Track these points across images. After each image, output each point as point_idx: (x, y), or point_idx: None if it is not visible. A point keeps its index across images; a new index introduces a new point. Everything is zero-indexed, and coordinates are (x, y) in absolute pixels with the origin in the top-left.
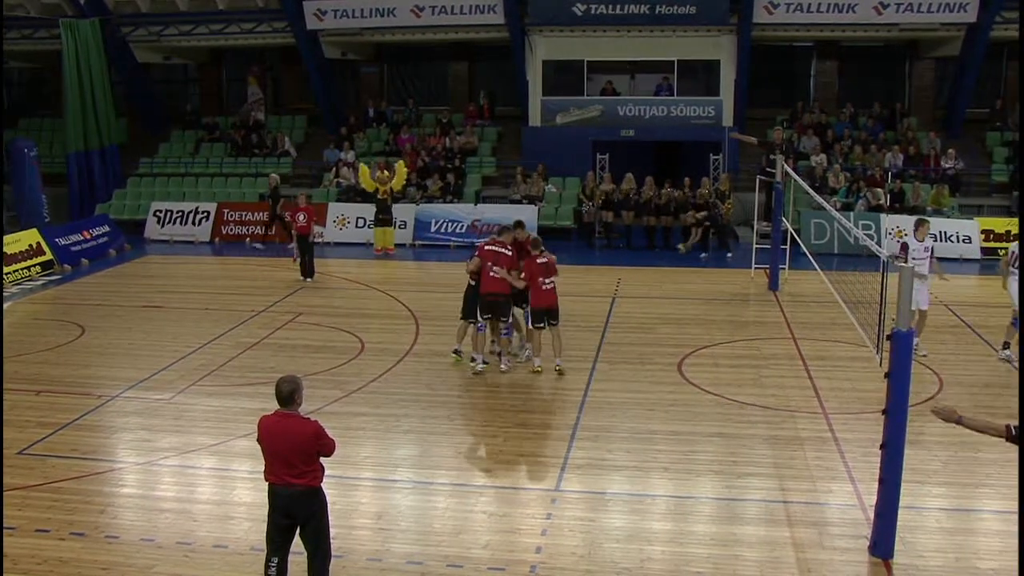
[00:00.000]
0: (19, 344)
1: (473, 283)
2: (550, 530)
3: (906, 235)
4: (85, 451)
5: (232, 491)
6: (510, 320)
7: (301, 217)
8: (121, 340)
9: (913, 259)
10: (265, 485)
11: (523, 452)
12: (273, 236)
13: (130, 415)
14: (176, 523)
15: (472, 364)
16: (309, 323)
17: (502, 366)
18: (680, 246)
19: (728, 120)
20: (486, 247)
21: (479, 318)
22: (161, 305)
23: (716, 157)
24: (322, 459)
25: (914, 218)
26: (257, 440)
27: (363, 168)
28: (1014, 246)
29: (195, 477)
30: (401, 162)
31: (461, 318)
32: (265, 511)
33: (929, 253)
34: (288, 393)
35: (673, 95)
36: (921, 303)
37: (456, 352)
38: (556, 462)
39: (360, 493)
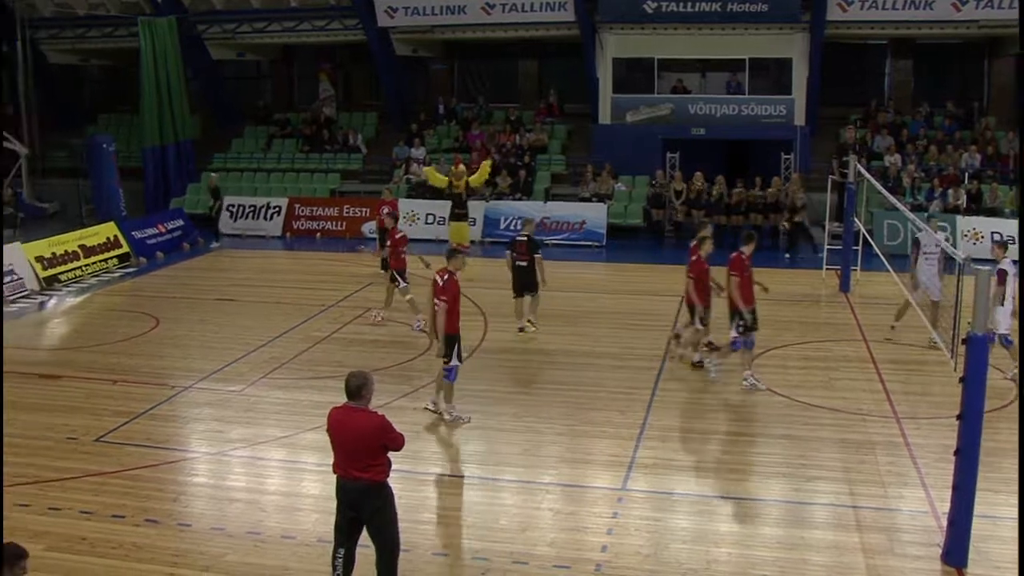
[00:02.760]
0: (97, 334)
1: (523, 264)
2: (616, 529)
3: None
4: (159, 440)
5: (300, 483)
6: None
7: (385, 211)
8: (194, 332)
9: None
10: (333, 478)
11: (590, 450)
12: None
13: (202, 406)
14: (246, 513)
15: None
16: (385, 319)
17: (710, 373)
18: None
19: (800, 119)
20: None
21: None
22: (233, 298)
23: (787, 156)
24: (390, 454)
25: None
26: (326, 431)
27: (428, 170)
28: (921, 235)
29: (265, 468)
30: (488, 161)
31: (515, 297)
32: (333, 504)
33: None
34: (356, 387)
35: (744, 93)
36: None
37: (522, 330)
38: (623, 461)
39: (427, 488)
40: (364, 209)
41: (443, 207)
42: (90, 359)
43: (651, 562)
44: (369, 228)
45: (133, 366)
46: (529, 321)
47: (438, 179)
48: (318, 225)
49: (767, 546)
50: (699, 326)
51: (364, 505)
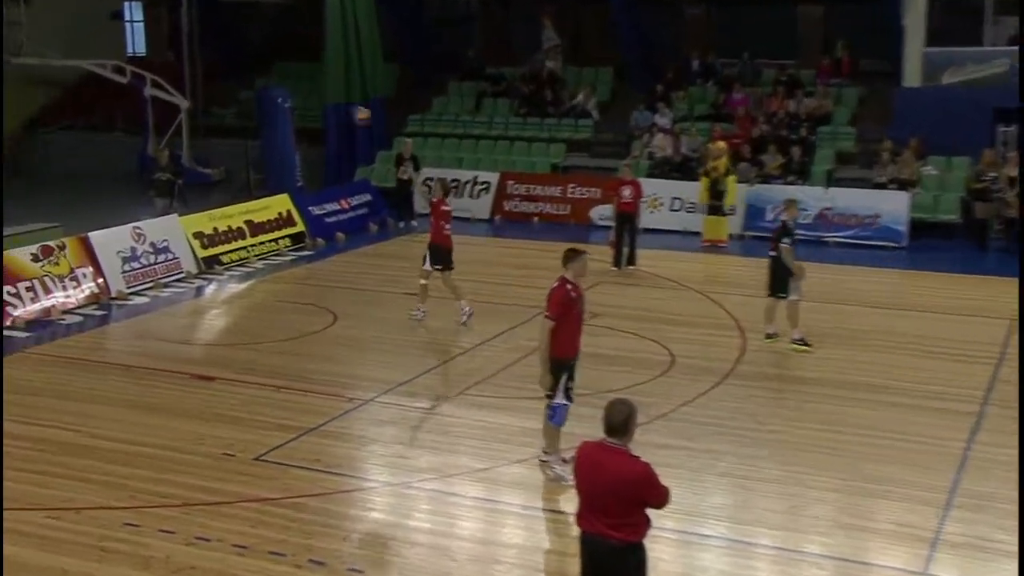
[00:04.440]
0: (260, 330)
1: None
2: None
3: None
4: (330, 463)
5: (500, 528)
6: None
7: (626, 192)
8: (378, 333)
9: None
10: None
11: (873, 516)
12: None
13: (384, 425)
14: (431, 561)
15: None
16: (607, 327)
17: None
18: None
19: None
20: None
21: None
22: (430, 295)
23: None
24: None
25: None
26: (574, 471)
27: (703, 183)
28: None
29: (457, 507)
30: (721, 143)
31: (768, 295)
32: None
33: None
34: (621, 422)
35: None
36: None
37: (769, 336)
38: (922, 535)
39: (660, 546)
40: (593, 189)
41: (692, 191)
42: (251, 359)
43: None
44: (599, 213)
45: (302, 371)
46: (800, 341)
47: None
48: (535, 207)
49: None
50: None
51: (612, 569)
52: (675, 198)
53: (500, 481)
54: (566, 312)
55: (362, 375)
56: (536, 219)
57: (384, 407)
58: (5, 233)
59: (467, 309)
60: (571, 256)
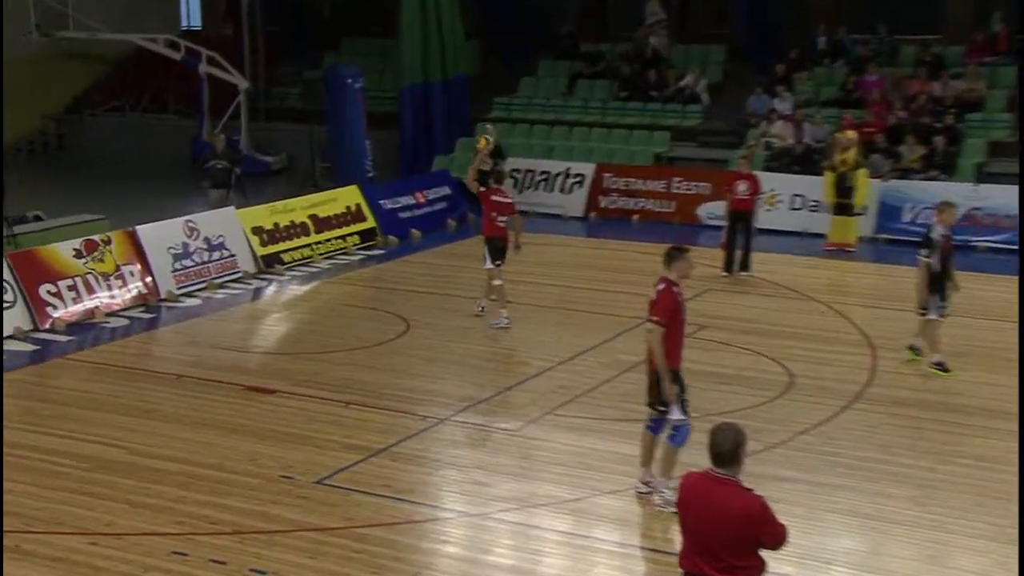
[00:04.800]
0: (325, 338)
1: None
2: None
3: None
4: (401, 489)
5: (591, 568)
6: None
7: (741, 187)
8: (456, 343)
9: None
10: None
11: None
12: None
13: (461, 447)
14: None
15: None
16: (716, 340)
17: None
18: None
19: None
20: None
21: None
22: (511, 300)
23: None
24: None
25: None
26: (676, 504)
27: (829, 179)
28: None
29: (542, 542)
30: (850, 132)
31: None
32: None
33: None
34: (731, 450)
35: None
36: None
37: (912, 348)
38: None
39: None
40: (702, 184)
41: (815, 186)
42: (314, 370)
43: None
44: (709, 212)
45: (372, 384)
46: (938, 365)
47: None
48: (635, 204)
49: None
50: None
51: None
52: (796, 195)
53: (592, 514)
54: (674, 317)
55: (437, 390)
56: (636, 217)
57: (461, 427)
58: (46, 226)
59: (505, 318)
60: (675, 254)
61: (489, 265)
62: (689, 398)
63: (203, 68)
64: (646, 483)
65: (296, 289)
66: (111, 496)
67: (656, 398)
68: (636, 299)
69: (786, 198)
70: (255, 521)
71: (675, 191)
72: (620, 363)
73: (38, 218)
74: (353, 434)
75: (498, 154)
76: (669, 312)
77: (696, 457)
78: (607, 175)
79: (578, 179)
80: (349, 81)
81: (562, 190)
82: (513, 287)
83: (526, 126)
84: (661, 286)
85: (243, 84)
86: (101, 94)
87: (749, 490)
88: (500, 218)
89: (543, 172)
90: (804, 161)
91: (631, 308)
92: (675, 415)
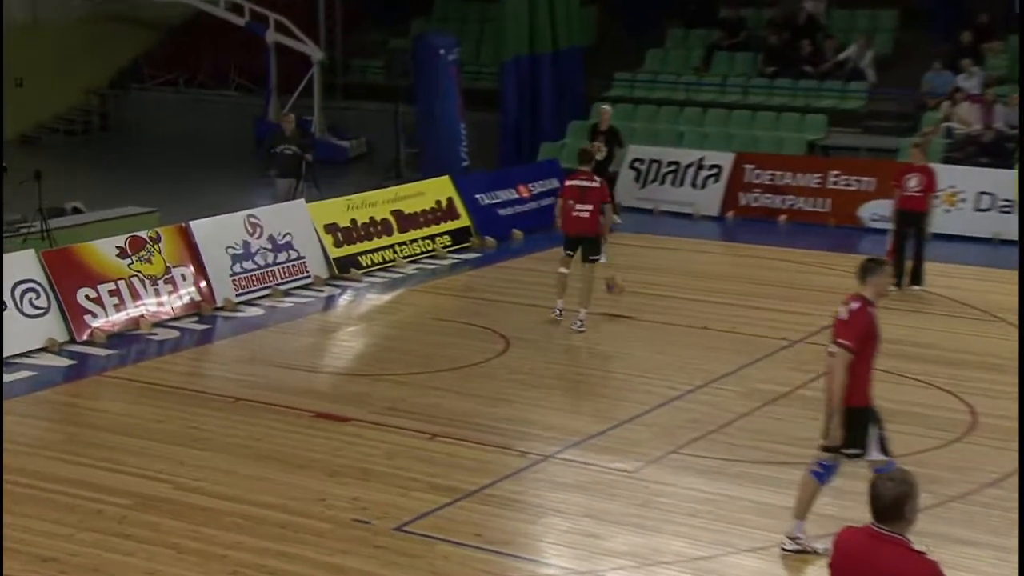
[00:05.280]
0: (410, 357)
1: None
2: None
3: None
4: (494, 539)
5: None
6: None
7: (912, 182)
8: (563, 365)
9: None
10: None
11: None
12: None
13: (567, 489)
14: None
15: None
16: (881, 368)
17: None
18: None
19: None
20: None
21: None
22: (630, 316)
23: None
24: None
25: None
26: (829, 566)
27: None
28: None
29: None
30: None
31: None
32: None
33: None
34: (893, 500)
35: None
36: None
37: None
38: None
39: None
40: (865, 179)
41: (1008, 182)
42: (396, 396)
43: None
44: (872, 212)
45: (463, 413)
46: None
47: None
48: (783, 202)
49: None
50: None
51: None
52: (983, 193)
53: (725, 575)
54: (866, 343)
55: (540, 422)
56: (783, 218)
57: (568, 466)
58: (86, 219)
59: (582, 319)
60: (871, 268)
61: (594, 260)
62: (887, 434)
63: (270, 36)
64: (794, 538)
65: (375, 298)
66: (155, 539)
67: (842, 437)
68: (782, 317)
69: (970, 197)
70: (323, 573)
71: (831, 187)
72: (761, 394)
73: (77, 210)
74: (440, 472)
75: (615, 140)
76: (861, 336)
77: (851, 511)
78: (749, 167)
79: (713, 172)
80: (442, 52)
81: (694, 184)
82: (633, 300)
83: (651, 107)
84: (855, 305)
85: (317, 55)
86: (152, 66)
87: (920, 553)
88: (578, 206)
89: (671, 163)
90: (994, 151)
91: (776, 328)
92: (873, 455)
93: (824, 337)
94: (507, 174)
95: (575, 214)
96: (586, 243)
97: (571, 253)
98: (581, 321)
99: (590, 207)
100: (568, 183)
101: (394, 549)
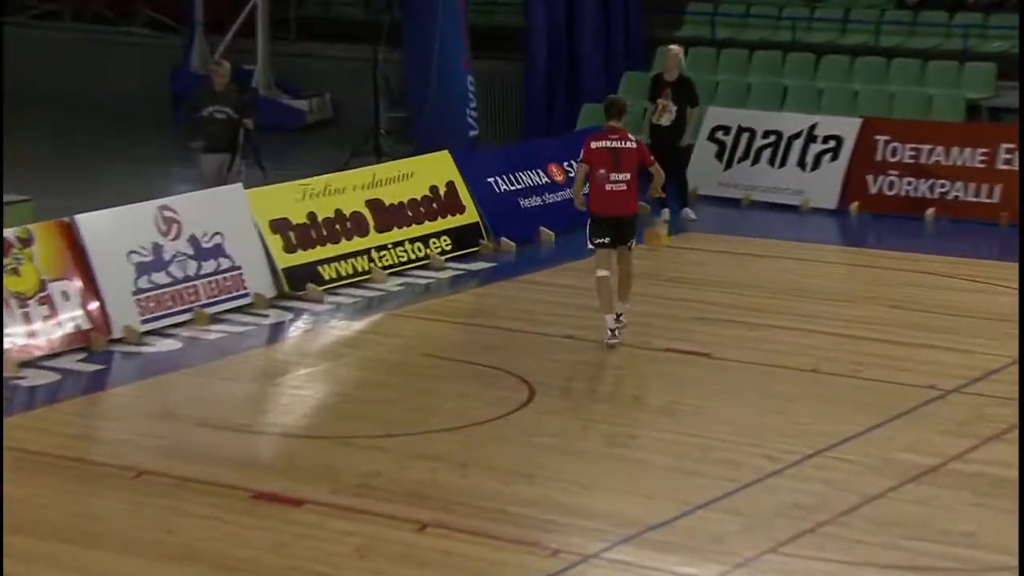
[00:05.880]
0: (393, 411)
1: None
2: None
3: None
4: None
5: None
6: None
7: None
8: (611, 424)
9: None
10: None
11: None
12: None
13: None
14: None
15: None
16: None
17: None
18: None
19: None
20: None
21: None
22: (707, 353)
23: None
24: None
25: None
26: None
27: None
28: None
29: None
30: None
31: None
32: None
33: None
34: None
35: None
36: None
37: None
38: None
39: None
40: None
41: None
42: (369, 468)
43: None
44: None
45: (467, 493)
46: None
47: None
48: (931, 188)
49: None
50: None
51: None
52: None
53: None
54: None
55: (579, 507)
56: (931, 212)
57: (618, 571)
58: None
59: (621, 322)
60: None
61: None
62: None
63: None
64: None
65: (343, 327)
66: None
67: None
68: (930, 357)
69: None
70: None
71: (1003, 167)
72: (899, 466)
73: None
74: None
75: (688, 97)
76: None
77: None
78: (881, 138)
79: (829, 145)
80: None
81: (802, 164)
82: (710, 329)
83: (740, 53)
84: None
85: None
86: None
87: None
88: (612, 176)
89: (769, 133)
90: None
91: (920, 372)
92: None
93: (991, 386)
94: (533, 148)
95: (609, 187)
96: (627, 225)
97: (607, 242)
98: (620, 321)
99: (626, 176)
100: (593, 145)
101: None
